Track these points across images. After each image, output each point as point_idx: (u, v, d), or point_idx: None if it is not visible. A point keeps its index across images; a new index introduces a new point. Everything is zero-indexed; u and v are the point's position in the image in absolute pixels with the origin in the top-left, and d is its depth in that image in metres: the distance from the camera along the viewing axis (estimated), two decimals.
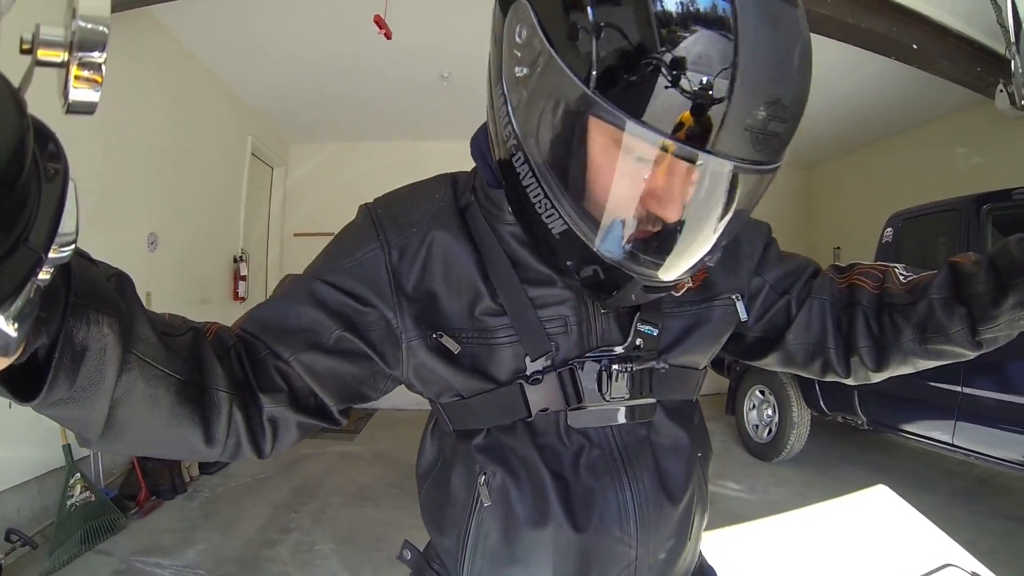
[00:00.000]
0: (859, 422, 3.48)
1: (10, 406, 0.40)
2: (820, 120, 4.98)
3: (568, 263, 0.53)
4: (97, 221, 2.96)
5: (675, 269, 0.51)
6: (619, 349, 0.60)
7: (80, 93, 0.27)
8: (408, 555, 0.73)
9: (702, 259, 0.52)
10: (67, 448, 2.59)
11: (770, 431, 3.89)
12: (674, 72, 0.41)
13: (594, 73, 0.43)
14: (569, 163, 0.49)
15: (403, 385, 0.66)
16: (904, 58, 2.98)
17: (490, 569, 0.62)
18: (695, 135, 0.43)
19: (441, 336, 0.57)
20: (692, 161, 0.44)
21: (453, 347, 0.57)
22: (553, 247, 0.53)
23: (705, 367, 0.69)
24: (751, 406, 4.09)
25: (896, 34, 2.81)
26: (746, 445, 4.10)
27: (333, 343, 0.56)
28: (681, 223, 0.48)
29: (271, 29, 3.57)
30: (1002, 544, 2.58)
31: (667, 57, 0.41)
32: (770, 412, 3.91)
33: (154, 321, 0.45)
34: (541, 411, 0.59)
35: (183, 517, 2.93)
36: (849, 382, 0.73)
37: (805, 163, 6.54)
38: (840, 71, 3.93)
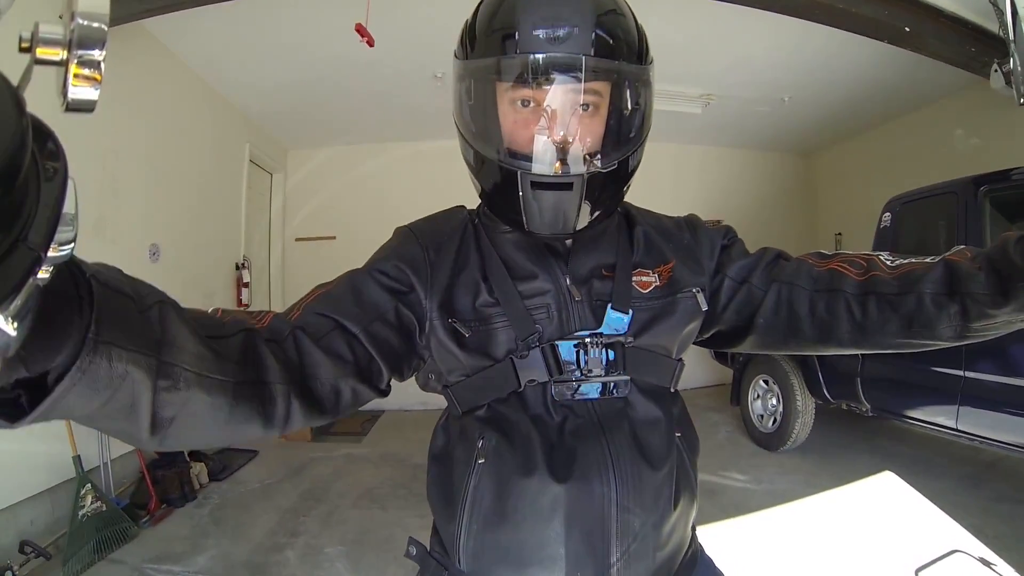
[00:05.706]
0: (863, 409, 3.46)
1: None
2: (815, 107, 4.98)
3: (508, 212, 0.69)
4: (98, 234, 2.97)
5: (543, 159, 0.64)
6: (591, 333, 0.69)
7: (79, 91, 0.27)
8: (414, 551, 0.78)
9: (576, 154, 0.64)
10: (77, 459, 2.60)
11: (775, 420, 3.88)
12: (493, 32, 0.66)
13: (469, 52, 0.68)
14: (465, 112, 0.70)
15: (418, 386, 0.78)
16: (896, 41, 2.97)
17: (483, 531, 0.68)
18: (508, 53, 0.63)
19: (455, 322, 0.69)
20: (508, 70, 0.63)
21: (465, 331, 0.68)
22: (496, 201, 0.71)
23: (680, 359, 0.76)
24: (755, 396, 4.08)
25: (887, 17, 2.80)
26: (751, 435, 4.10)
27: (393, 317, 0.67)
28: (541, 121, 0.64)
29: (264, 37, 3.58)
30: (1010, 529, 2.57)
31: (489, 29, 0.66)
32: (774, 401, 3.90)
33: (201, 329, 0.48)
34: (529, 382, 0.68)
35: (193, 524, 2.94)
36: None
37: (803, 151, 6.53)
38: (832, 57, 3.92)
